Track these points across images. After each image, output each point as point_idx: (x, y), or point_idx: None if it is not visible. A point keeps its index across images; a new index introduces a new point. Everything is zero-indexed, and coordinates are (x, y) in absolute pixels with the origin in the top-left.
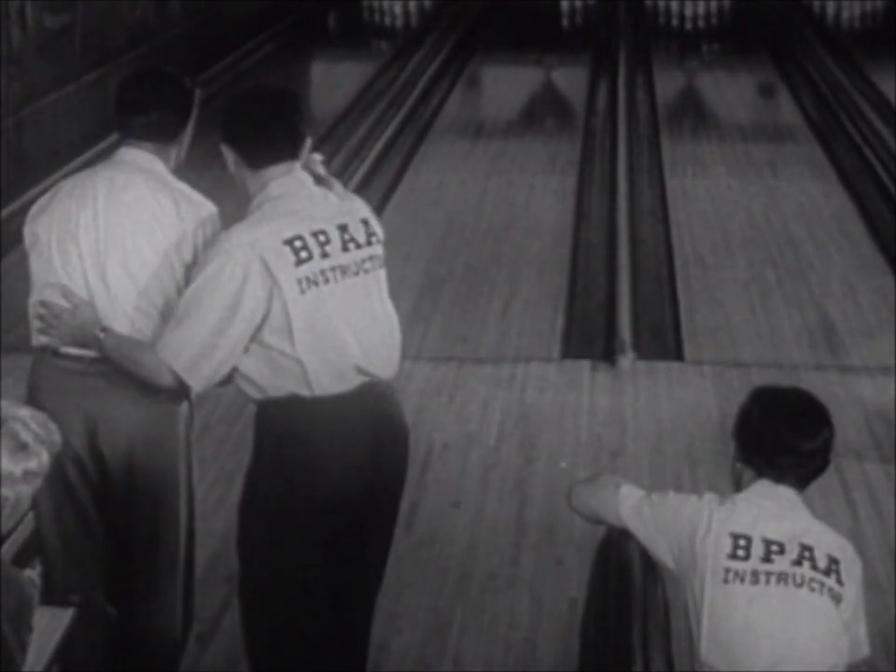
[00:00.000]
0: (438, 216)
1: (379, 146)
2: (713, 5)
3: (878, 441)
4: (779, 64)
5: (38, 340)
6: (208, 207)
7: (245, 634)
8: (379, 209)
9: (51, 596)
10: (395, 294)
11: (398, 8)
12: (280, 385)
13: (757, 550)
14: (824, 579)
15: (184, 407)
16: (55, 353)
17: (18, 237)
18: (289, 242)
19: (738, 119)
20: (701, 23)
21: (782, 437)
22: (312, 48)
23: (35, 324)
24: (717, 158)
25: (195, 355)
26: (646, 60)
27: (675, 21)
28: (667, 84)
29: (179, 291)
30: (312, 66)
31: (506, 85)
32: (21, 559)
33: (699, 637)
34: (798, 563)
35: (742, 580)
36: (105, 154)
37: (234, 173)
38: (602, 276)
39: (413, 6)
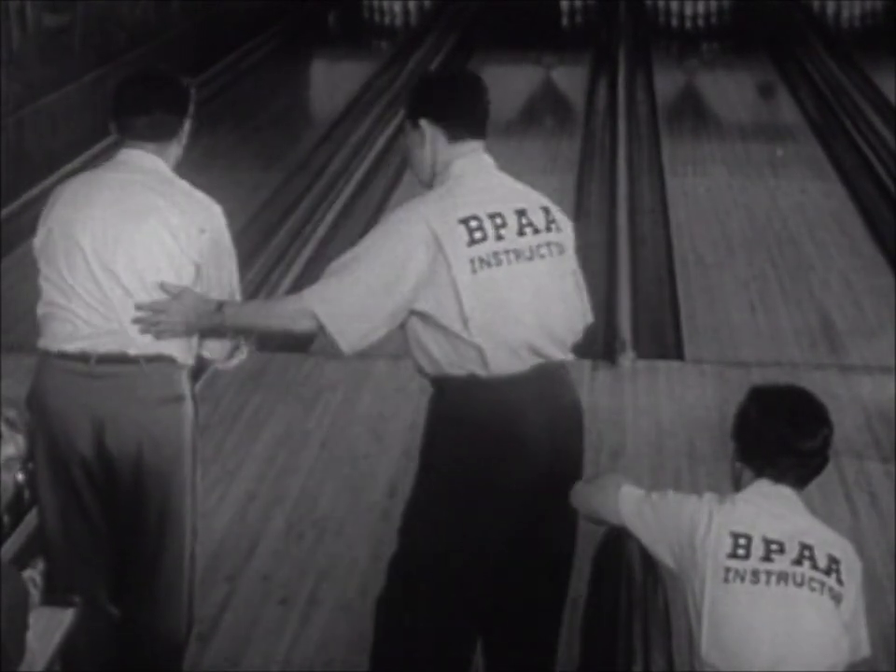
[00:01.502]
0: None
1: (379, 145)
2: (713, 4)
3: (878, 440)
4: (779, 64)
5: (44, 342)
6: (213, 206)
7: (384, 629)
8: (379, 209)
9: (53, 596)
10: None
11: (397, 8)
12: (459, 363)
13: (757, 549)
14: (824, 578)
15: (190, 408)
16: (61, 355)
17: (18, 237)
18: (465, 221)
19: (738, 118)
20: (701, 23)
21: (782, 437)
22: (312, 47)
23: (140, 329)
24: (717, 157)
25: (350, 315)
26: (646, 59)
27: (675, 21)
28: (667, 83)
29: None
30: (312, 65)
31: (506, 84)
32: (23, 558)
33: (699, 637)
34: (798, 562)
35: (742, 579)
36: (105, 154)
37: (424, 150)
38: (602, 276)
39: (412, 5)
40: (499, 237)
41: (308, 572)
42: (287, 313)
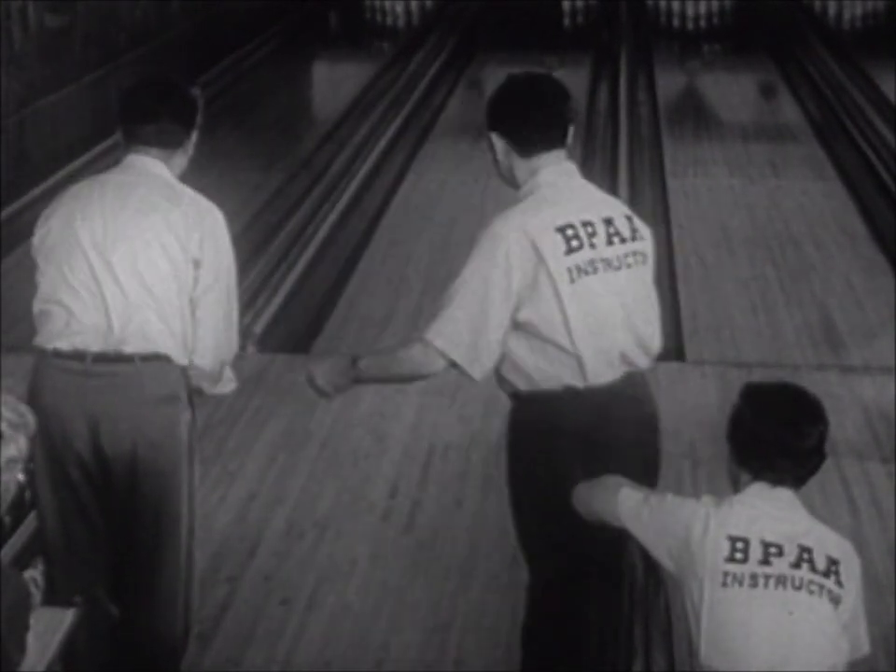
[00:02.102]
0: (439, 216)
1: (380, 146)
2: (714, 5)
3: (879, 440)
4: (780, 64)
5: (39, 339)
6: (215, 210)
7: (537, 636)
8: (381, 209)
9: (54, 596)
10: (396, 294)
11: (399, 8)
12: (555, 375)
13: (755, 552)
14: (823, 580)
15: (186, 406)
16: (56, 354)
17: (18, 237)
18: (561, 230)
19: (739, 118)
20: (702, 23)
21: (779, 439)
22: (313, 47)
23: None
24: (718, 158)
25: (473, 343)
26: (647, 60)
27: (676, 21)
28: (669, 84)
29: (188, 291)
30: (313, 66)
31: None
32: (23, 559)
33: (698, 640)
34: (797, 565)
35: (740, 583)
36: (106, 155)
37: (501, 161)
38: None
39: (414, 5)
40: (592, 245)
41: (309, 572)
42: (416, 359)
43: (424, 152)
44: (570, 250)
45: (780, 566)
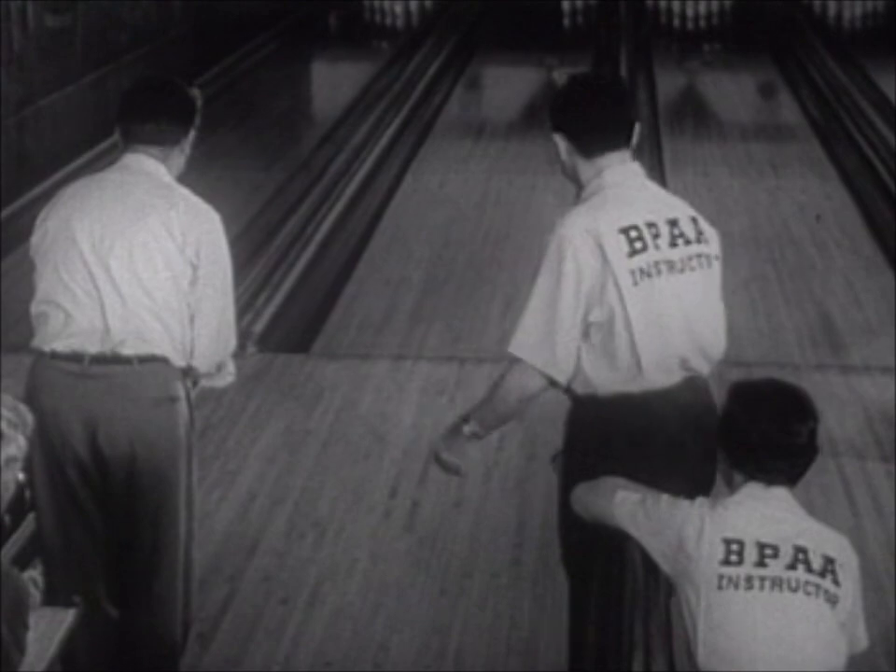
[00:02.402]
0: (439, 216)
1: (380, 146)
2: (714, 5)
3: (879, 440)
4: (780, 64)
5: (37, 341)
6: (211, 212)
7: None
8: (380, 209)
9: (53, 597)
10: (396, 294)
11: (398, 8)
12: (612, 378)
13: (750, 554)
14: (819, 581)
15: (184, 409)
16: (54, 355)
17: (18, 237)
18: (625, 231)
19: (739, 118)
20: (702, 23)
21: (771, 439)
22: (313, 48)
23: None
24: (718, 158)
25: (549, 347)
26: (647, 60)
27: (676, 21)
28: (668, 84)
29: (185, 293)
30: (313, 66)
31: (507, 85)
32: (23, 559)
33: (696, 644)
34: (792, 566)
35: (736, 585)
36: (106, 155)
37: (565, 161)
38: None
39: (413, 6)
40: (656, 247)
41: (309, 572)
42: (513, 382)
43: (423, 152)
44: (634, 252)
45: (776, 567)
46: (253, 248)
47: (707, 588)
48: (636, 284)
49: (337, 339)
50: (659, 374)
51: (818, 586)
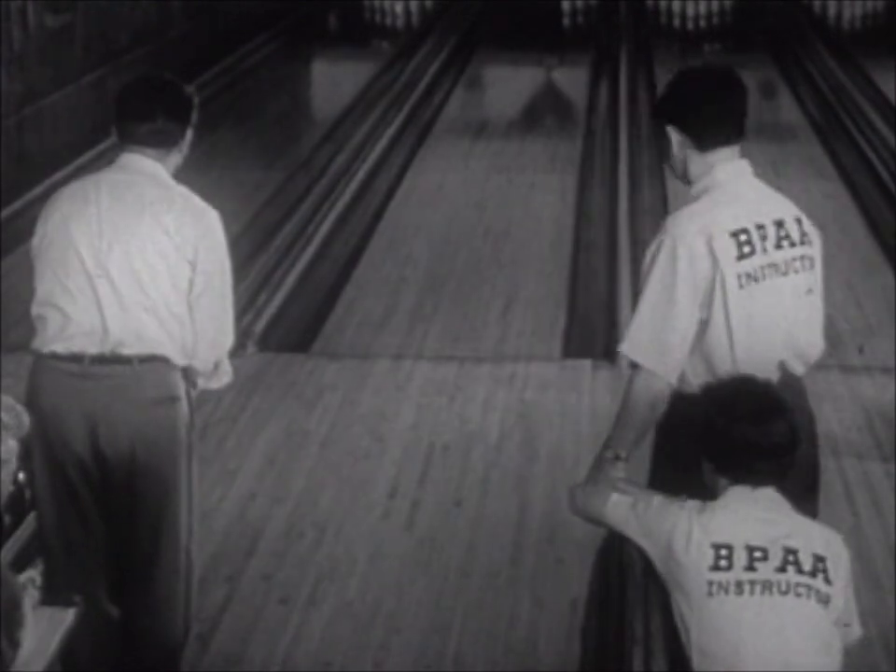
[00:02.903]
0: (439, 215)
1: (380, 145)
2: (714, 4)
3: (879, 440)
4: (780, 64)
5: (37, 342)
6: (210, 212)
7: None
8: (380, 209)
9: (53, 596)
10: (395, 293)
11: (399, 8)
12: (707, 377)
13: (740, 558)
14: (810, 581)
15: (184, 409)
16: (54, 356)
17: (18, 237)
18: (735, 234)
19: None
20: (702, 23)
21: (753, 443)
22: (313, 47)
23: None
24: None
25: (659, 345)
26: (647, 60)
27: (676, 21)
28: None
29: (184, 292)
30: (313, 66)
31: (507, 85)
32: (23, 559)
33: (689, 649)
34: (782, 569)
35: (726, 591)
36: (106, 155)
37: (676, 155)
38: (603, 276)
39: (414, 5)
40: (764, 250)
41: (308, 572)
42: (640, 389)
43: (423, 152)
44: (742, 256)
45: (765, 571)
46: (253, 248)
47: (697, 595)
48: (741, 287)
49: (337, 339)
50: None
51: (809, 587)
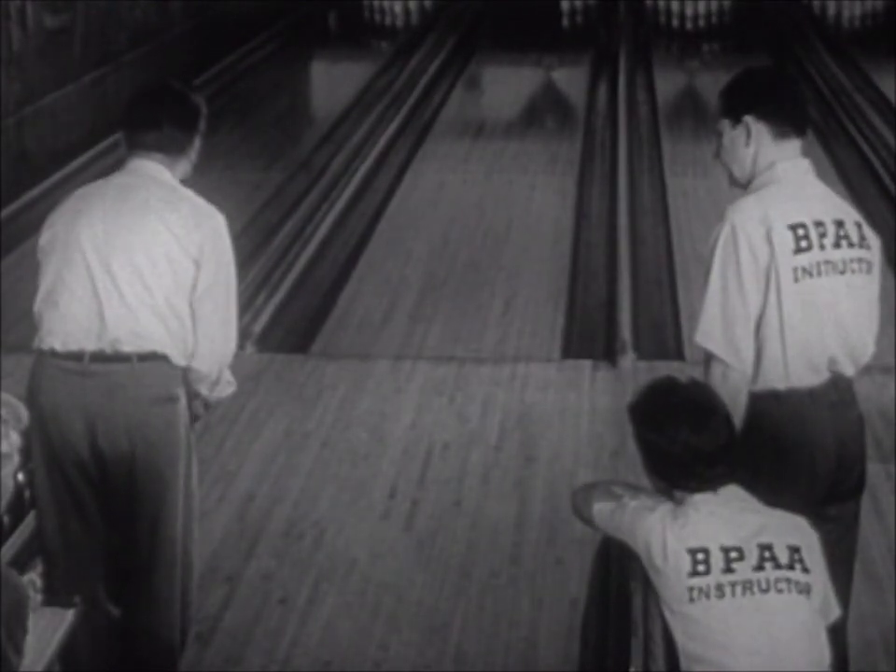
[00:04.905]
0: (438, 215)
1: (380, 145)
2: (713, 4)
3: (878, 440)
4: (780, 64)
5: (38, 340)
6: (215, 215)
7: None
8: (380, 209)
9: (53, 597)
10: (395, 294)
11: (398, 8)
12: (760, 378)
13: (717, 561)
14: (789, 574)
15: (184, 408)
16: (54, 353)
17: (18, 237)
18: (793, 228)
19: None
20: (702, 23)
21: (700, 454)
22: (312, 47)
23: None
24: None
25: (729, 334)
26: (646, 59)
27: (675, 21)
28: (668, 84)
29: (188, 292)
30: (312, 66)
31: (506, 85)
32: (22, 560)
33: (678, 655)
34: (760, 567)
35: (707, 595)
36: (106, 154)
37: (742, 149)
38: (602, 276)
39: (413, 5)
40: (821, 246)
41: (308, 572)
42: (716, 380)
43: (423, 151)
44: (799, 250)
45: (743, 570)
46: (253, 248)
47: (679, 603)
48: (796, 281)
49: (337, 339)
50: (806, 372)
51: (788, 580)
